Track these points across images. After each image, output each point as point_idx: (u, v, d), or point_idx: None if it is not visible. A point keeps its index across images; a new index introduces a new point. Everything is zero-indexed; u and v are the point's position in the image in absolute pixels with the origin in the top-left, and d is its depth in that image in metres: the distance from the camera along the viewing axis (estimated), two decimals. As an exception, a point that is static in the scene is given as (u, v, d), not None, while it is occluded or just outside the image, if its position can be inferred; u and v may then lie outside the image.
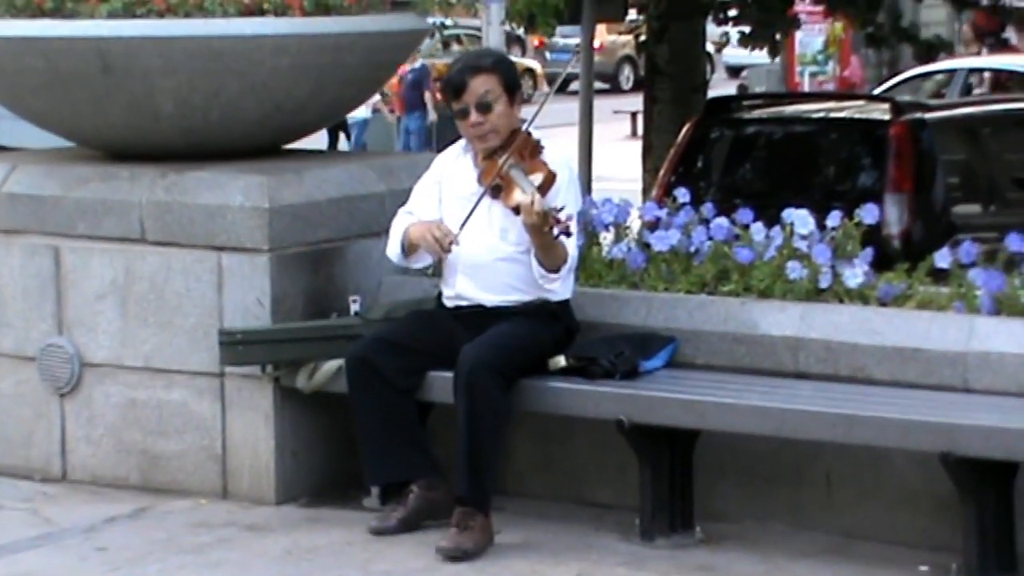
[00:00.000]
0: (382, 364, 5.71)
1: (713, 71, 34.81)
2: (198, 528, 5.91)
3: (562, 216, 5.53)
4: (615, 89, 34.11)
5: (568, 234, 5.59)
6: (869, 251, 5.91)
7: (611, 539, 5.70)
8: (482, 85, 5.79)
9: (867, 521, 5.66)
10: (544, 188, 5.67)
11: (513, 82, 5.87)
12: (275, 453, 6.12)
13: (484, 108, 5.78)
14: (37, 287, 6.44)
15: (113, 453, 6.38)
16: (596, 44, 36.94)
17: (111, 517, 6.03)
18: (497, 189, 5.72)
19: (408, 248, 5.88)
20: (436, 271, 6.01)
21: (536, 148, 5.80)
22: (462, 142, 5.96)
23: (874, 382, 5.56)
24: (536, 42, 34.35)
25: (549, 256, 5.65)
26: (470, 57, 6.12)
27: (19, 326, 6.49)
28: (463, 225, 5.72)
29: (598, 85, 33.32)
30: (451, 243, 5.70)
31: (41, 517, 6.07)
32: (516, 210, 5.62)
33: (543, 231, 5.56)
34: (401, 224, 5.92)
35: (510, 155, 5.71)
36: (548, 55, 36.91)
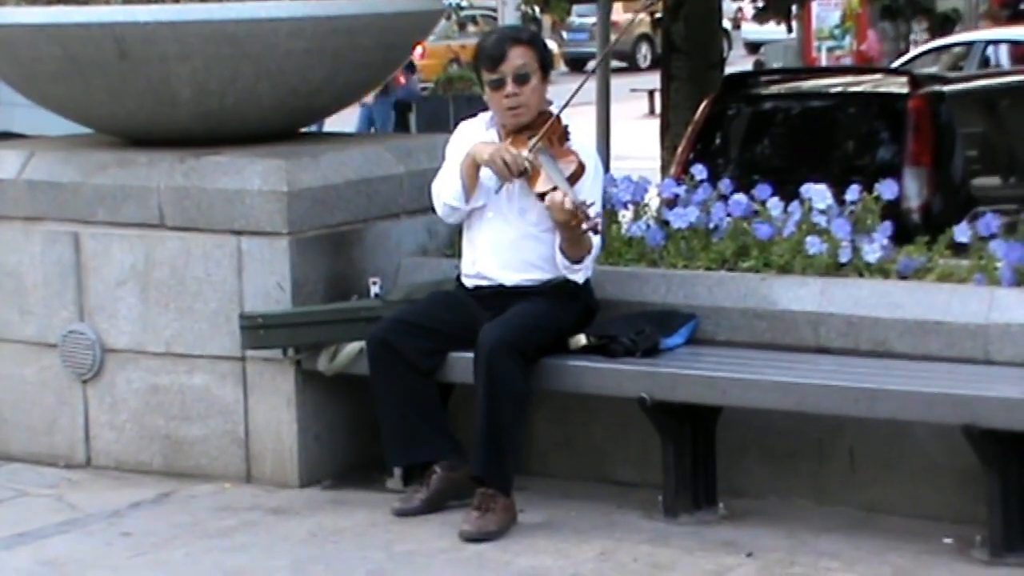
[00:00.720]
0: (403, 345, 5.71)
1: (731, 48, 34.80)
2: (222, 512, 5.92)
3: (591, 212, 5.49)
4: (632, 67, 34.10)
5: (596, 231, 5.55)
6: (888, 225, 5.90)
7: (634, 517, 5.71)
8: (520, 57, 5.76)
9: (890, 495, 5.66)
10: (573, 179, 5.63)
11: (547, 60, 5.85)
12: (298, 436, 6.13)
13: (521, 79, 5.75)
14: (58, 274, 6.46)
15: (136, 439, 6.40)
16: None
17: (136, 502, 6.05)
18: (523, 171, 5.67)
19: (468, 184, 5.71)
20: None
21: (565, 134, 5.76)
22: (485, 116, 5.92)
23: (895, 355, 5.55)
24: (552, 22, 34.37)
25: (575, 247, 5.63)
26: (507, 30, 6.13)
27: (41, 313, 6.51)
28: (533, 147, 5.59)
29: (615, 64, 33.33)
30: (521, 167, 5.57)
31: (66, 503, 6.10)
32: (540, 196, 5.59)
33: (571, 226, 5.53)
34: (450, 172, 5.77)
35: (540, 139, 5.66)
36: (565, 35, 36.89)
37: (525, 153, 5.62)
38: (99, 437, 6.47)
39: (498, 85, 5.76)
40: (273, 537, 5.65)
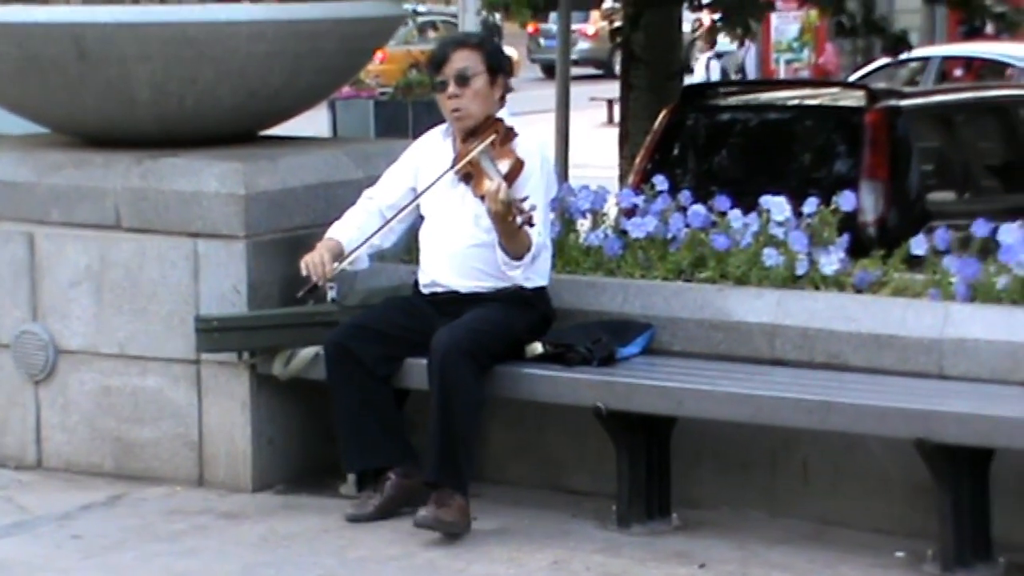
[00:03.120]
0: (360, 350, 5.71)
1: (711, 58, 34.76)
2: (173, 515, 5.90)
3: (526, 206, 5.52)
4: (609, 75, 34.03)
5: (531, 224, 5.57)
6: (845, 238, 5.92)
7: (588, 526, 5.71)
8: (463, 60, 5.79)
9: (843, 508, 5.67)
10: (511, 176, 5.66)
11: (496, 63, 5.85)
12: (251, 440, 6.11)
13: (461, 80, 5.77)
14: (11, 274, 6.42)
15: (88, 440, 6.36)
16: (591, 31, 36.72)
17: (86, 505, 6.02)
18: (468, 176, 5.72)
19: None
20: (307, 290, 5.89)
21: (509, 135, 5.79)
22: (443, 126, 5.95)
23: (850, 369, 5.57)
24: (532, 28, 34.33)
25: (512, 244, 5.64)
26: (457, 34, 6.16)
27: (-7, 313, 6.47)
28: (420, 194, 5.82)
29: (592, 71, 33.27)
30: (323, 280, 5.76)
31: (15, 505, 6.06)
32: (484, 198, 5.62)
33: (507, 220, 5.55)
34: (348, 217, 5.94)
35: (480, 141, 5.71)
36: (542, 41, 36.80)
37: (468, 156, 5.70)
38: (50, 439, 6.43)
39: (441, 87, 5.79)
40: (224, 541, 5.63)
